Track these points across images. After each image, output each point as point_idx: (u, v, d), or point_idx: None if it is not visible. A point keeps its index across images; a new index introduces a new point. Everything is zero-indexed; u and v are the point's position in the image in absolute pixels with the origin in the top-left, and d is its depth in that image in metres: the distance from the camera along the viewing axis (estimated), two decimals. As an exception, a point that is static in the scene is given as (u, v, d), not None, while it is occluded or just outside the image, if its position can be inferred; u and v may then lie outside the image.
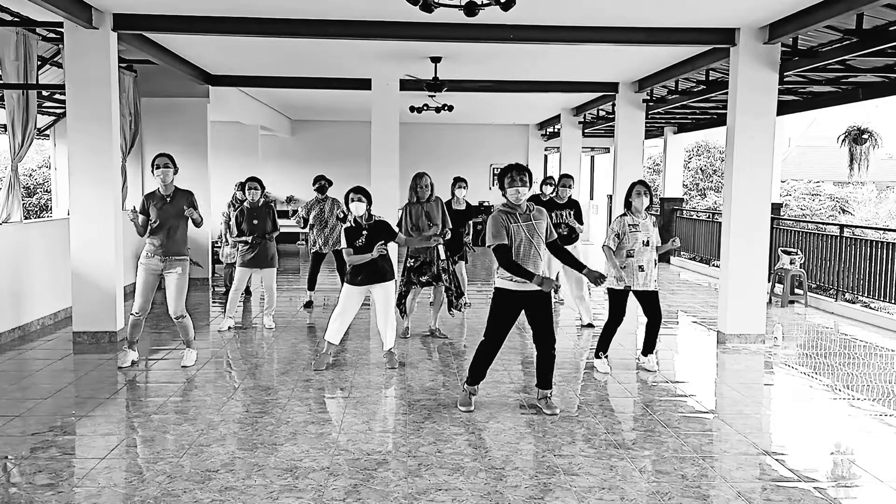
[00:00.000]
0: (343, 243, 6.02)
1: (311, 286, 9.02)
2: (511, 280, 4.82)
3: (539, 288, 4.73)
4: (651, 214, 6.09)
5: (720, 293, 7.67)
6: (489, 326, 4.98)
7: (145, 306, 5.95)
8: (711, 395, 5.79)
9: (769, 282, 9.70)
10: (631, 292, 6.01)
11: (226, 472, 3.94)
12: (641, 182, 6.07)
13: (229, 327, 7.64)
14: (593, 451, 4.34)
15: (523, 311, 4.97)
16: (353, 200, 5.91)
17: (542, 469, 4.06)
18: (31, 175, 19.27)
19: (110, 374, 5.98)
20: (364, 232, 5.90)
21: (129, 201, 10.13)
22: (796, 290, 10.11)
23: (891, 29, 6.61)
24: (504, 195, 4.90)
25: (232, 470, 3.97)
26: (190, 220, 5.99)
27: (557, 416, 4.94)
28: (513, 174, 4.84)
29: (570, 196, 7.93)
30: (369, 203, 5.97)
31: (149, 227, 5.87)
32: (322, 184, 8.76)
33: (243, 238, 7.56)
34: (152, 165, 5.90)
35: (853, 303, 9.76)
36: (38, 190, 18.98)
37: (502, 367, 6.27)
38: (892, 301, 8.67)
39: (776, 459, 4.29)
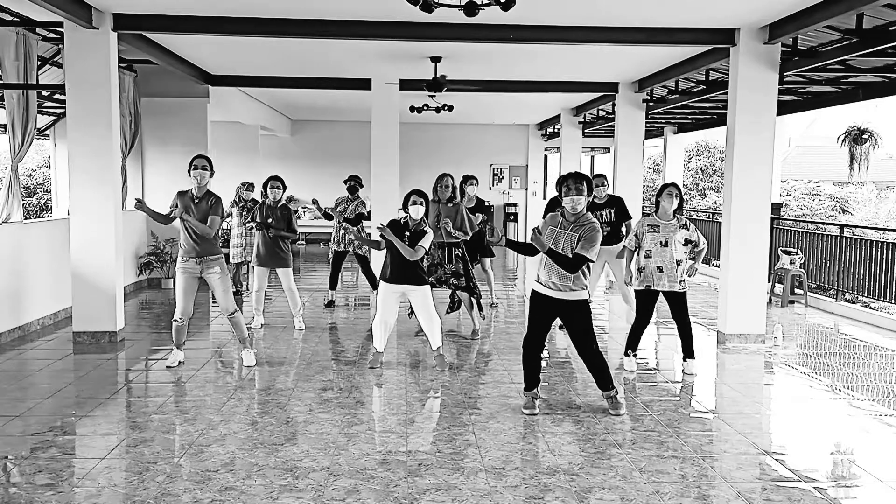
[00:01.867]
0: (370, 222, 6.10)
1: (333, 286, 9.04)
2: (537, 282, 4.98)
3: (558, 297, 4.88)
4: (678, 217, 6.02)
5: (720, 293, 7.67)
6: (527, 323, 5.13)
7: (187, 310, 5.98)
8: (711, 395, 5.79)
9: (769, 282, 9.70)
10: (661, 293, 6.03)
11: (226, 472, 3.94)
12: (673, 184, 6.07)
13: (262, 324, 7.72)
14: (593, 451, 4.34)
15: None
16: (413, 203, 5.99)
17: (542, 469, 4.06)
18: (31, 175, 19.26)
19: (110, 374, 5.98)
20: (407, 234, 5.96)
21: (129, 201, 10.15)
22: (796, 290, 10.10)
23: (891, 29, 6.60)
24: (562, 203, 4.95)
25: (232, 470, 3.97)
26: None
27: (622, 415, 4.97)
28: (569, 183, 4.86)
29: (608, 194, 7.73)
30: (427, 208, 6.09)
31: (169, 218, 5.95)
32: (353, 184, 8.78)
33: (251, 224, 7.64)
34: (190, 166, 5.93)
35: (853, 303, 9.76)
36: (38, 190, 18.97)
37: (502, 366, 6.28)
38: (892, 301, 8.67)
39: (776, 459, 4.29)
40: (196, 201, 5.92)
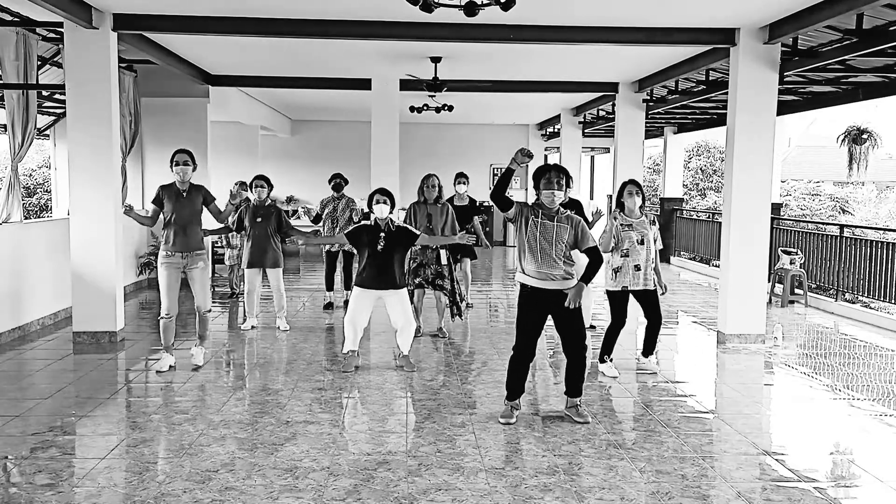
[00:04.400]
0: (347, 229, 6.10)
1: (329, 287, 9.03)
2: (525, 275, 4.73)
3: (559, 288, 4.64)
4: (647, 213, 6.04)
5: (720, 293, 7.67)
6: (516, 330, 4.82)
7: (173, 307, 5.91)
8: (711, 395, 5.79)
9: (769, 282, 9.70)
10: (631, 294, 5.98)
11: (226, 472, 3.94)
12: (632, 182, 6.02)
13: (252, 326, 7.71)
14: (593, 451, 4.34)
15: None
16: (377, 202, 5.93)
17: (542, 469, 4.06)
18: (31, 175, 19.25)
19: (110, 374, 5.99)
20: (382, 234, 5.87)
21: (129, 201, 10.14)
22: (796, 290, 10.11)
23: (891, 29, 6.61)
24: (538, 195, 4.68)
25: (232, 470, 3.97)
26: (209, 213, 6.07)
27: (589, 424, 4.81)
28: (550, 175, 4.59)
29: (569, 196, 7.76)
30: (392, 206, 5.98)
31: (162, 221, 5.94)
32: (338, 182, 8.75)
33: (235, 230, 7.65)
34: (171, 161, 5.92)
35: (853, 303, 9.77)
36: (38, 190, 18.96)
37: (502, 367, 6.26)
38: (892, 301, 8.67)
39: (776, 459, 4.29)
40: (185, 194, 5.93)
